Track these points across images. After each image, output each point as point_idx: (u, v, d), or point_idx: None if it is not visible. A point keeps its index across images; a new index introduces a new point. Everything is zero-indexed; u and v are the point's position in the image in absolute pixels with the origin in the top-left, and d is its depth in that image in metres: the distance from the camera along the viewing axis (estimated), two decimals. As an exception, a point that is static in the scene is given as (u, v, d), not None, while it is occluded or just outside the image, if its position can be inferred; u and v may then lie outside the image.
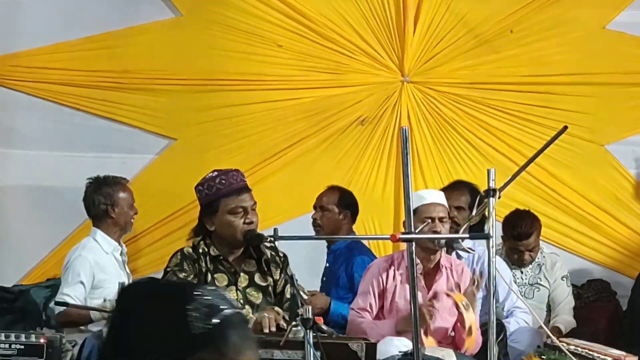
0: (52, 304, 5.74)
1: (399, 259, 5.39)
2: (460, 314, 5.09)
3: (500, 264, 5.89)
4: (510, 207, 6.42)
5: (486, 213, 4.33)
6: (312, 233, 6.23)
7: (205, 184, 4.80)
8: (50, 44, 6.71)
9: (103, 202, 5.89)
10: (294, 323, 3.94)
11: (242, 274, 4.81)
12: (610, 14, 7.01)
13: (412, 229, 3.65)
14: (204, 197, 4.81)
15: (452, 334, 5.24)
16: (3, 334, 4.85)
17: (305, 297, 5.60)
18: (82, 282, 5.70)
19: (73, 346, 5.22)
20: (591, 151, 7.05)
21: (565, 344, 4.89)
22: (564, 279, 6.52)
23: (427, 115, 7.01)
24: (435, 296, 5.16)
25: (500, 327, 5.24)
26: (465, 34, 6.98)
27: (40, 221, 6.75)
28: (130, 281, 6.10)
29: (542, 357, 5.11)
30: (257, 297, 4.79)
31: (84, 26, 6.74)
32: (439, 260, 5.33)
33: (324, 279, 6.36)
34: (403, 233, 3.68)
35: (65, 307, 5.47)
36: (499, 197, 4.29)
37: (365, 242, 6.53)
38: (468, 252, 5.53)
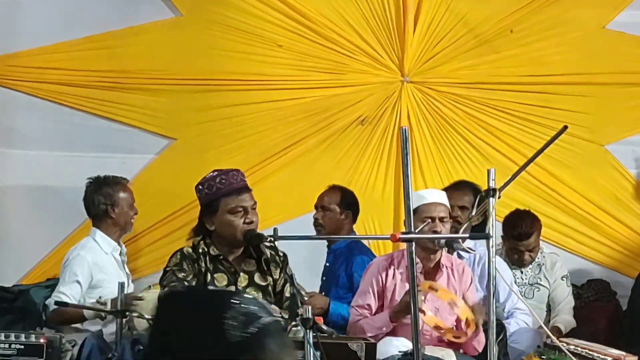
0: (47, 301, 5.75)
1: (399, 257, 5.39)
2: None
3: (500, 264, 5.89)
4: (511, 207, 6.42)
5: (486, 213, 4.32)
6: (313, 233, 6.23)
7: (205, 183, 4.80)
8: (50, 44, 6.71)
9: (103, 202, 5.88)
10: (293, 323, 3.93)
11: (241, 273, 4.81)
12: (610, 14, 7.01)
13: (412, 229, 3.65)
14: (204, 197, 4.82)
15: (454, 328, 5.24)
16: (3, 334, 4.85)
17: (305, 297, 5.61)
18: (78, 282, 5.70)
19: (73, 346, 5.22)
20: (591, 151, 7.05)
21: (565, 344, 4.89)
22: (564, 278, 6.52)
23: (427, 115, 7.01)
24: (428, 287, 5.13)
25: (500, 328, 5.24)
26: (465, 34, 6.98)
27: (40, 221, 6.75)
28: (131, 281, 6.12)
29: (542, 357, 5.11)
30: (256, 296, 4.78)
31: (84, 26, 6.74)
32: (439, 260, 5.34)
33: (324, 278, 6.36)
34: (403, 233, 3.68)
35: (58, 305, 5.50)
36: (499, 197, 4.28)
37: (365, 242, 6.53)
38: (468, 252, 5.53)
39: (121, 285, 4.95)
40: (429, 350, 4.97)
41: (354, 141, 6.98)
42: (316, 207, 6.33)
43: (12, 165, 6.77)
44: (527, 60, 7.03)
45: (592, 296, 6.91)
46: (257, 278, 4.84)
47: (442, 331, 5.12)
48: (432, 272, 5.34)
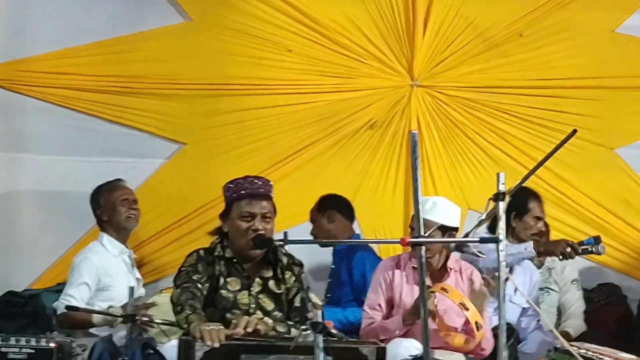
0: (54, 304, 5.78)
1: (405, 259, 5.46)
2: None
3: (529, 266, 5.98)
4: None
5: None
6: (321, 236, 6.32)
7: (227, 185, 4.84)
8: (60, 49, 6.73)
9: (96, 209, 6.05)
10: (303, 327, 3.93)
11: (256, 279, 4.79)
12: (620, 18, 7.02)
13: (421, 233, 3.65)
14: (225, 199, 4.86)
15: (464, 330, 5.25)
16: (14, 338, 4.85)
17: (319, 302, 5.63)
18: (86, 284, 5.75)
19: (83, 350, 5.22)
20: (601, 155, 7.05)
21: (575, 348, 4.87)
22: (574, 282, 6.52)
23: (436, 119, 7.01)
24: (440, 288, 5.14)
25: (510, 331, 5.24)
26: (474, 38, 6.98)
27: (50, 226, 6.76)
28: (142, 285, 6.13)
29: (553, 361, 5.10)
30: (269, 303, 4.78)
31: (94, 31, 6.75)
32: (445, 263, 5.36)
33: (330, 280, 6.41)
34: (412, 237, 3.68)
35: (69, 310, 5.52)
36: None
37: (374, 245, 6.56)
38: (478, 256, 5.52)
39: (131, 289, 4.96)
40: (439, 354, 4.97)
41: (363, 145, 6.99)
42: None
43: (22, 170, 6.78)
44: (537, 64, 7.03)
45: (602, 300, 6.90)
46: (271, 285, 4.82)
47: (451, 335, 5.12)
48: (438, 275, 5.37)
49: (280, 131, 6.91)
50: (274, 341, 4.33)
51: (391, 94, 6.99)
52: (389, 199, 6.98)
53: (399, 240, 3.71)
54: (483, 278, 5.41)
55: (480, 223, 4.55)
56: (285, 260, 4.85)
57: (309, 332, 3.86)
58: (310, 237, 6.44)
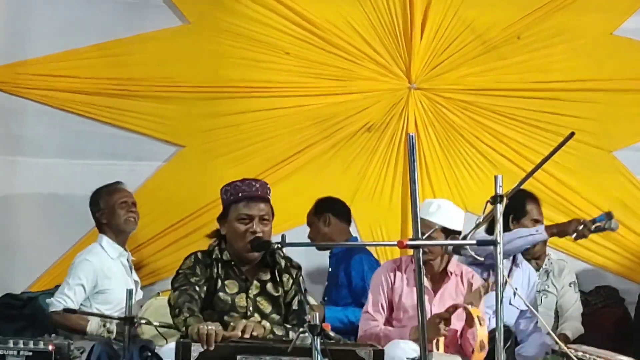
0: (48, 300, 5.81)
1: (407, 262, 5.45)
2: (473, 326, 5.06)
3: (527, 269, 6.03)
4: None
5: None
6: (320, 239, 6.32)
7: (225, 187, 4.84)
8: (59, 51, 6.74)
9: (95, 212, 6.07)
10: (301, 330, 3.94)
11: (254, 282, 4.79)
12: (618, 20, 7.02)
13: (419, 235, 3.65)
14: (222, 201, 4.86)
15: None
16: (12, 341, 4.85)
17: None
18: (82, 285, 5.81)
19: (81, 353, 5.23)
20: (598, 157, 7.05)
21: (573, 351, 4.88)
22: (572, 285, 6.52)
23: (434, 122, 7.01)
24: (454, 308, 5.13)
25: (508, 334, 5.24)
26: (472, 41, 6.99)
27: (49, 228, 6.77)
28: (140, 288, 6.14)
29: (550, 363, 5.10)
30: (266, 306, 4.78)
31: (93, 34, 6.76)
32: (446, 267, 5.37)
33: (327, 283, 6.42)
34: (410, 239, 3.68)
35: (62, 308, 5.55)
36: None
37: (372, 248, 6.56)
38: (476, 259, 5.52)
39: (129, 292, 4.97)
40: (437, 357, 4.97)
41: (361, 148, 6.99)
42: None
43: (21, 172, 6.78)
44: (535, 66, 7.03)
45: (600, 303, 6.90)
46: (269, 287, 4.82)
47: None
48: (439, 278, 5.37)
49: (278, 134, 6.92)
50: (271, 343, 4.33)
51: (389, 97, 6.99)
52: (386, 202, 6.98)
53: (396, 242, 3.72)
54: (484, 280, 5.42)
55: (478, 226, 4.55)
56: (283, 262, 4.85)
57: (306, 334, 3.87)
58: (308, 240, 6.45)
